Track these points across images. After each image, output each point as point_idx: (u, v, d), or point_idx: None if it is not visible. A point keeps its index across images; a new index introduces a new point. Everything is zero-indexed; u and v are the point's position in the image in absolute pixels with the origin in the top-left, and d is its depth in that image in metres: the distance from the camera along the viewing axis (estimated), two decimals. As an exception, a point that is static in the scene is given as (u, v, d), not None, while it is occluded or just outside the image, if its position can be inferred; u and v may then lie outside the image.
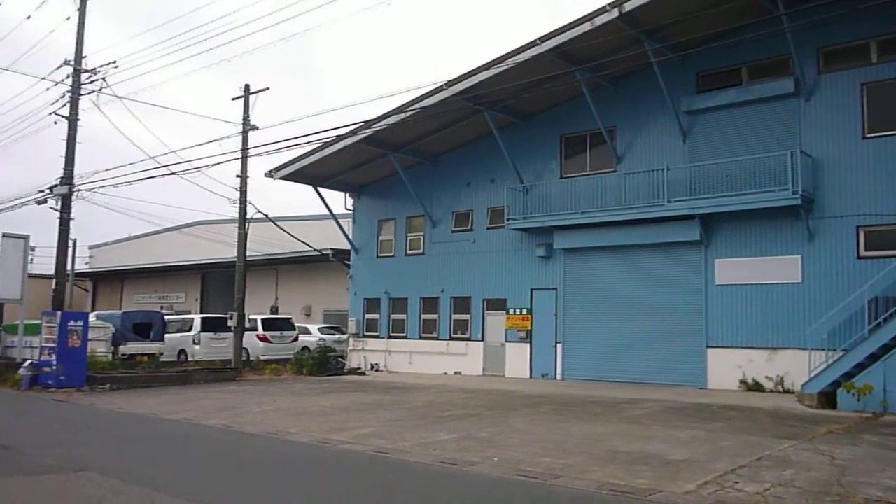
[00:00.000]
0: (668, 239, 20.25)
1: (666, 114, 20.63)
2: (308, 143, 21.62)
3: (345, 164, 26.22)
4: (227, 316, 25.36)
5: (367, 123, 22.75)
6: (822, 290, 17.85)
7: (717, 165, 19.47)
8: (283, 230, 28.51)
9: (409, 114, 22.53)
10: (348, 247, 28.94)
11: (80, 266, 47.33)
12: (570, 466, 9.14)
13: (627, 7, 17.92)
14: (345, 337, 29.54)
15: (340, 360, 27.74)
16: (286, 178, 26.60)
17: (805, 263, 18.36)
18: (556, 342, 22.55)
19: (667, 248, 20.49)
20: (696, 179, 19.87)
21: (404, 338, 26.79)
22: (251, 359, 27.27)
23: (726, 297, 19.46)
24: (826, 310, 17.07)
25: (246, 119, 25.00)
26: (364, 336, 27.99)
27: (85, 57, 22.90)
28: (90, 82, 22.82)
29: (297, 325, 30.79)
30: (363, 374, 25.98)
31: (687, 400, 16.69)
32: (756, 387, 18.52)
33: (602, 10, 18.34)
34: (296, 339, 29.51)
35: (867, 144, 17.79)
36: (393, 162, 25.45)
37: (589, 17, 18.62)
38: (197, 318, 29.41)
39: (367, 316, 28.10)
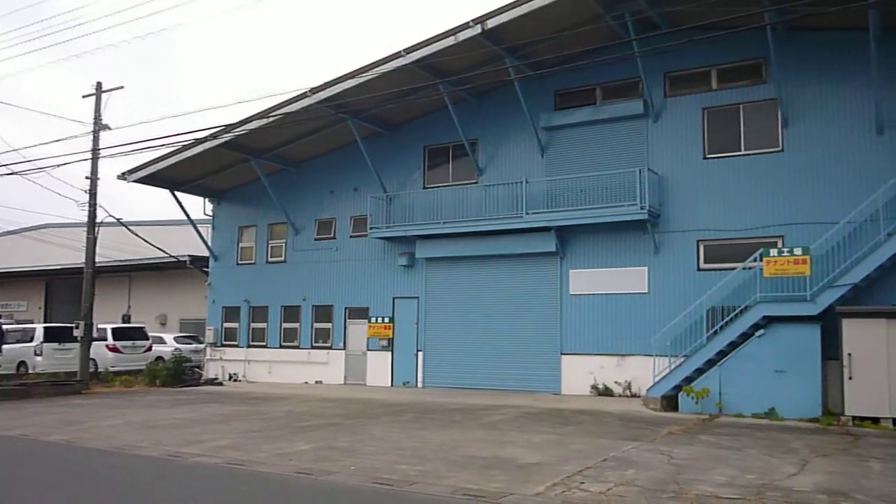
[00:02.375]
0: (527, 250, 20.92)
1: (526, 129, 21.33)
2: (165, 145, 20.90)
3: (204, 168, 25.45)
4: (74, 325, 24.00)
5: (228, 127, 22.22)
6: (667, 300, 18.95)
7: (573, 180, 20.32)
8: (137, 235, 27.28)
9: (271, 119, 22.17)
10: (207, 253, 28.08)
11: None
12: (426, 473, 9.28)
13: (490, 24, 18.43)
14: (202, 346, 28.61)
15: (197, 370, 26.86)
16: (141, 181, 25.49)
17: (651, 275, 19.44)
18: (418, 350, 22.78)
19: (525, 259, 21.15)
20: (553, 193, 20.67)
21: (264, 347, 26.26)
22: (100, 370, 25.91)
23: (580, 306, 20.31)
24: (670, 318, 18.15)
25: (97, 118, 23.82)
26: (222, 345, 27.21)
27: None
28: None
29: (151, 334, 29.55)
30: (221, 384, 25.25)
31: (542, 405, 17.28)
32: (606, 392, 19.41)
33: (465, 26, 18.77)
34: (149, 348, 28.30)
35: (707, 165, 19.10)
36: (255, 168, 24.93)
37: (452, 32, 19.00)
38: (39, 328, 27.64)
39: (226, 324, 27.35)
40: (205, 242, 27.71)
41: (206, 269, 28.33)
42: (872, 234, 16.04)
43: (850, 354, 14.60)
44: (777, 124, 18.32)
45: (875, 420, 14.13)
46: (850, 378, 14.53)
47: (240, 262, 27.38)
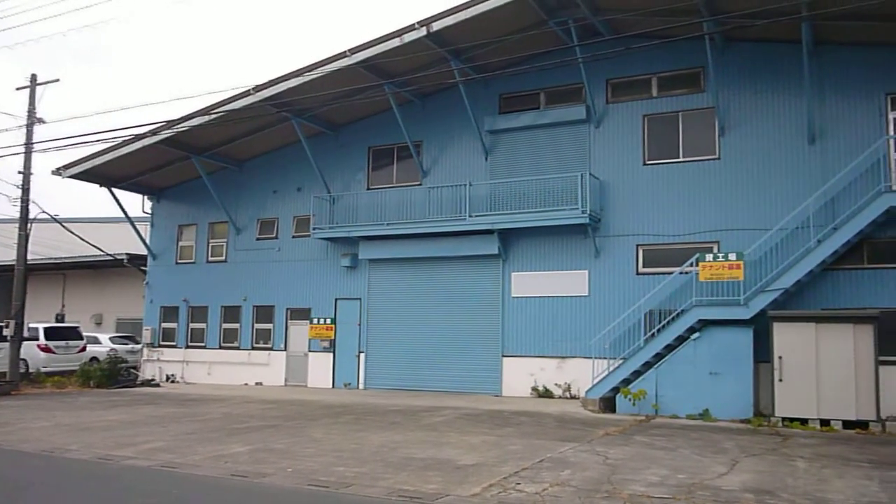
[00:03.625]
0: (470, 252, 21.01)
1: (470, 131, 21.44)
2: (102, 140, 20.47)
3: (143, 165, 24.92)
4: (4, 324, 23.25)
5: (169, 124, 21.81)
6: (607, 303, 19.24)
7: (516, 183, 20.49)
8: (72, 233, 26.61)
9: (213, 116, 21.82)
10: (145, 252, 27.50)
11: None
12: (363, 475, 9.24)
13: (435, 27, 18.49)
14: (139, 347, 28.00)
15: (133, 371, 26.25)
16: (76, 177, 24.82)
17: (592, 278, 19.71)
18: (360, 352, 22.68)
19: (468, 261, 21.24)
20: (497, 196, 20.82)
21: (203, 347, 25.83)
22: (31, 371, 25.15)
23: (521, 308, 20.48)
24: (609, 321, 18.46)
25: (31, 111, 23.15)
26: (160, 346, 26.69)
27: None
28: None
29: (86, 334, 28.78)
30: (157, 385, 24.75)
31: (483, 407, 17.37)
32: (546, 393, 19.60)
33: (411, 28, 18.79)
34: (83, 349, 27.54)
35: (646, 171, 19.45)
36: (196, 166, 24.51)
37: (398, 34, 18.98)
38: (-33, 327, 26.66)
39: (164, 325, 26.83)
40: (143, 241, 27.16)
41: (143, 268, 27.75)
42: (804, 240, 16.58)
43: (780, 357, 15.03)
44: (714, 132, 18.75)
45: (803, 421, 14.57)
46: (781, 380, 14.96)
47: (179, 261, 26.89)
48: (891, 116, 17.04)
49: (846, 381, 14.46)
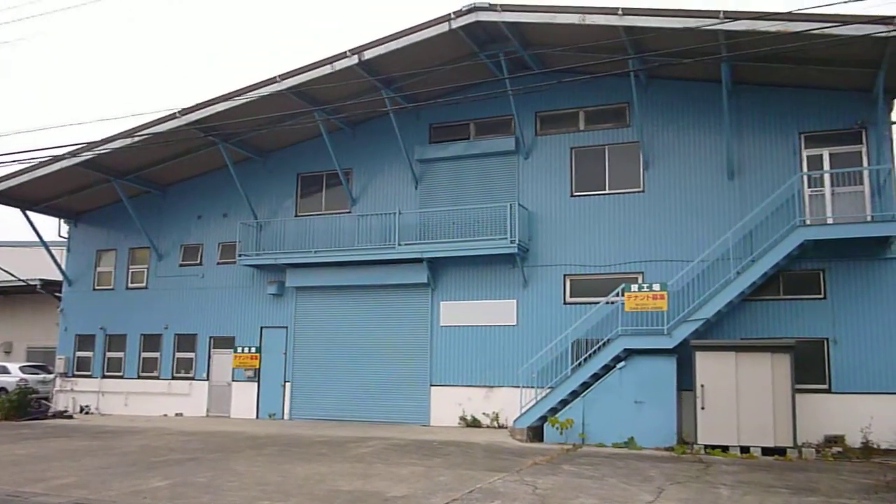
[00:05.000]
0: (399, 281, 20.91)
1: (400, 160, 21.46)
2: (17, 161, 19.63)
3: (61, 187, 24.04)
4: None
5: (90, 145, 21.15)
6: (534, 333, 19.37)
7: (446, 212, 20.56)
8: (-18, 257, 25.42)
9: (137, 139, 21.26)
10: (60, 278, 26.45)
11: None
12: (289, 508, 8.99)
13: (367, 55, 18.52)
14: (51, 377, 26.80)
15: (44, 402, 25.08)
16: (-12, 198, 23.81)
17: (520, 307, 19.84)
18: (286, 381, 22.22)
19: (397, 290, 21.13)
20: (426, 224, 20.84)
21: (121, 377, 24.89)
22: (-68, 402, 23.74)
23: (450, 337, 20.44)
24: (537, 350, 18.59)
25: (-59, 129, 22.13)
26: (74, 375, 25.61)
27: None
28: None
29: (-7, 363, 27.43)
30: (71, 417, 23.68)
31: (410, 437, 17.19)
32: (474, 423, 19.55)
33: (342, 55, 18.77)
34: (-10, 379, 26.22)
35: (574, 202, 19.78)
36: (117, 189, 23.79)
37: (329, 61, 18.94)
38: None
39: (79, 353, 25.77)
40: (58, 266, 26.11)
41: (58, 295, 26.67)
42: (724, 271, 17.08)
43: (702, 386, 15.37)
44: (639, 166, 19.23)
45: (724, 448, 14.90)
46: (703, 408, 15.29)
47: (97, 287, 25.95)
48: (804, 154, 17.81)
49: (765, 408, 14.88)
